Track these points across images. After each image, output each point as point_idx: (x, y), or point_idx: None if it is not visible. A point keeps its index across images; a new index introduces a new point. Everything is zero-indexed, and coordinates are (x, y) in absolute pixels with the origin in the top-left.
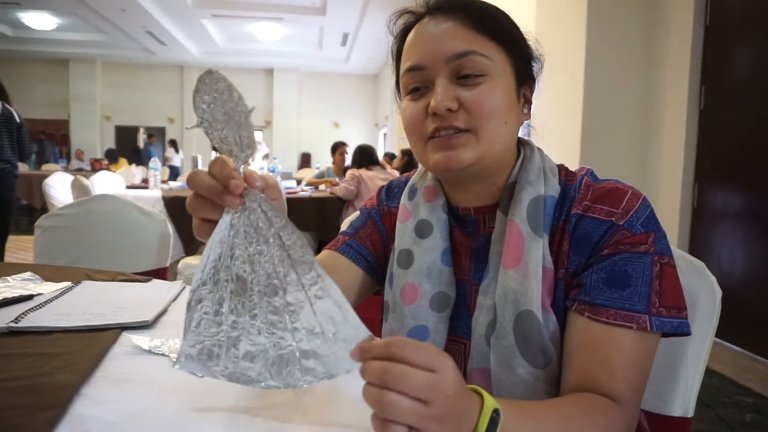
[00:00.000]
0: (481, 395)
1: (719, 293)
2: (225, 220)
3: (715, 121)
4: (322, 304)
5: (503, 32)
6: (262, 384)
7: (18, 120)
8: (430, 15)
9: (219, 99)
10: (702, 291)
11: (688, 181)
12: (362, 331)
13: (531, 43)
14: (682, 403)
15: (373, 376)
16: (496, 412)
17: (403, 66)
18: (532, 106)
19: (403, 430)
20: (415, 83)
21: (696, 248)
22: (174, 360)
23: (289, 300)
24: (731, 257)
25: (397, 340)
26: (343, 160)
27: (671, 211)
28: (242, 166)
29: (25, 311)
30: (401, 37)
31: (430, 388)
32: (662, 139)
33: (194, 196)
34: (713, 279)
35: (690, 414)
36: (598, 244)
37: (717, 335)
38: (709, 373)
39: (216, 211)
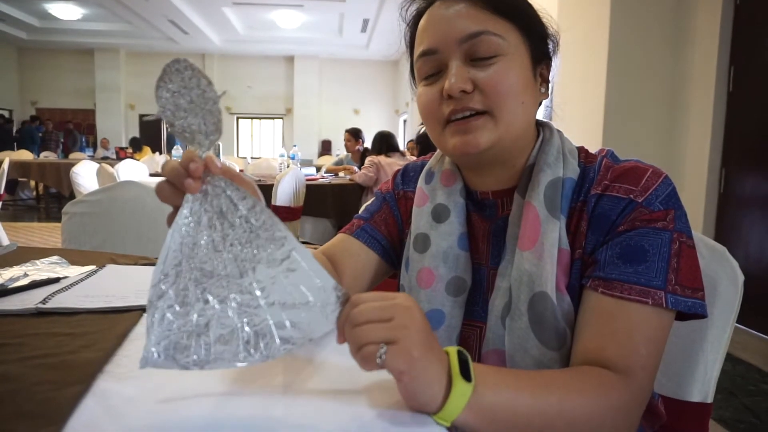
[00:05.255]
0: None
1: (741, 278)
2: (185, 209)
3: (745, 104)
4: (295, 276)
5: (516, 10)
6: (239, 363)
7: None
8: None
9: (185, 87)
10: (723, 276)
11: (715, 165)
12: (338, 293)
13: (546, 20)
14: (701, 388)
15: (348, 329)
16: (460, 352)
17: (417, 51)
18: (551, 86)
19: (375, 347)
20: (429, 68)
21: (722, 234)
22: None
23: (258, 278)
24: (759, 244)
25: (357, 297)
26: (354, 145)
27: (697, 196)
28: (205, 152)
29: (53, 293)
30: (414, 24)
31: (389, 308)
32: (688, 122)
33: (164, 181)
34: (735, 263)
35: (709, 400)
36: (615, 221)
37: (744, 323)
38: (734, 361)
39: (180, 196)
